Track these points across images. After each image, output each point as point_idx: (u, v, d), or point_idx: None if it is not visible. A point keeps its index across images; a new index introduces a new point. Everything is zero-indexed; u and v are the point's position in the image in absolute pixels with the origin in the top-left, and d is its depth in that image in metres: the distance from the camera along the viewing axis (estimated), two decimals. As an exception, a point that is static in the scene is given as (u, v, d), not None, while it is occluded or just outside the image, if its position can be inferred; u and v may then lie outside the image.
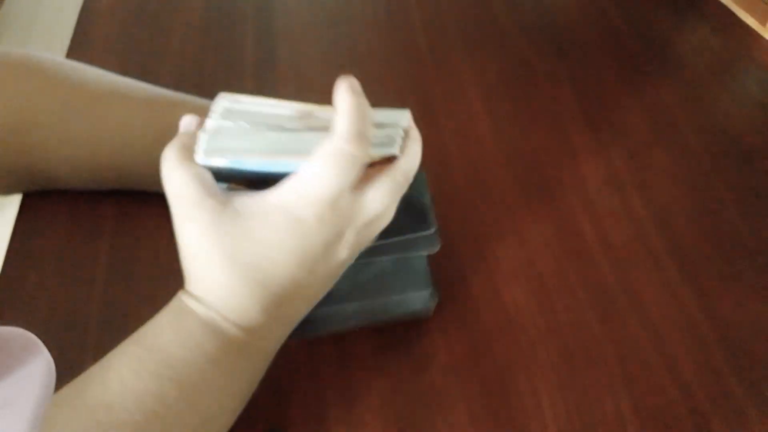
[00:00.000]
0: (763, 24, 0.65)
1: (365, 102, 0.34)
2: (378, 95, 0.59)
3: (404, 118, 0.36)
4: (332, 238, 0.34)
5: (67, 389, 0.32)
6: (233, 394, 0.35)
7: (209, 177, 0.34)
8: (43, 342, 0.23)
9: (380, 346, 0.43)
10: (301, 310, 0.37)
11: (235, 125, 0.34)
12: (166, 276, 0.46)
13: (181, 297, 0.36)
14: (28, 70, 0.45)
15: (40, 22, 1.69)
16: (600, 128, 0.56)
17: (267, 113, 0.35)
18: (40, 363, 0.23)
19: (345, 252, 0.36)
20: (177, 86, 0.59)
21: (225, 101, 0.35)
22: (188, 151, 0.34)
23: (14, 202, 0.50)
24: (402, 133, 0.36)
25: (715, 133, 0.56)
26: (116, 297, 0.45)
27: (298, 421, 0.39)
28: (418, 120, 0.57)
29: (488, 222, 0.49)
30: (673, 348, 0.43)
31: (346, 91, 0.34)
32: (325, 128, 0.35)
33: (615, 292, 0.45)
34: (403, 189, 0.36)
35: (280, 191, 0.33)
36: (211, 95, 0.59)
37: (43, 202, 0.50)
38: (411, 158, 0.36)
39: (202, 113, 0.41)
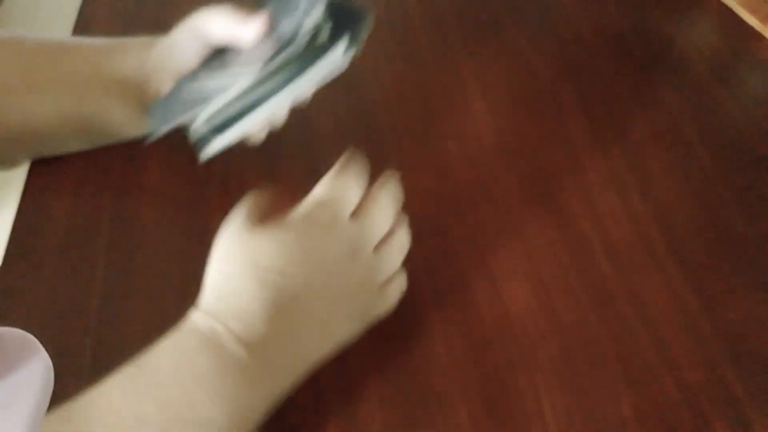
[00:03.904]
0: (764, 24, 0.65)
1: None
2: (378, 95, 0.59)
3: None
4: (345, 252, 0.37)
5: (64, 407, 0.32)
6: (220, 429, 0.33)
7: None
8: (41, 343, 0.23)
9: (380, 346, 0.42)
10: (309, 349, 0.36)
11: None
12: (165, 275, 0.46)
13: (189, 314, 0.35)
14: None
15: (40, 21, 1.69)
16: (601, 128, 0.56)
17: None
18: (39, 364, 0.22)
19: (362, 272, 0.38)
20: (177, 86, 0.59)
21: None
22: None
23: (13, 201, 0.50)
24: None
25: (717, 133, 0.56)
26: (115, 297, 0.45)
27: (298, 423, 0.39)
28: (418, 120, 0.57)
29: (488, 222, 0.49)
30: (674, 348, 0.43)
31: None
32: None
33: (616, 292, 0.45)
34: (399, 199, 0.40)
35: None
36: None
37: (41, 201, 0.50)
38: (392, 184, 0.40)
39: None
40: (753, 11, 0.66)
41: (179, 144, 0.54)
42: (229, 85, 0.41)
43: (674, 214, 0.50)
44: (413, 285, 0.45)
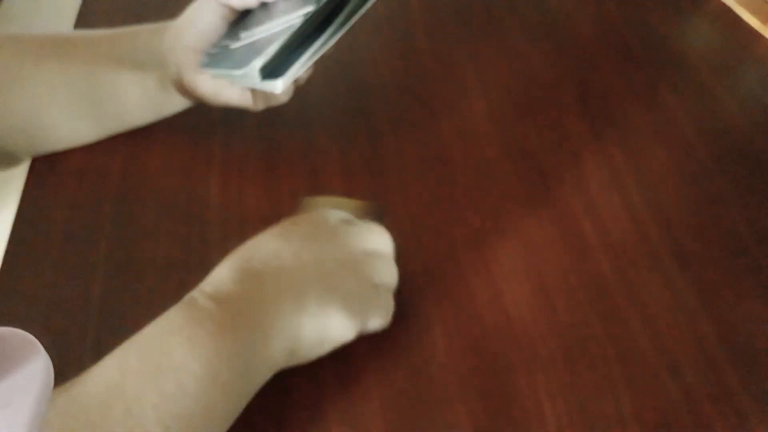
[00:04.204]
0: (764, 24, 0.65)
1: None
2: (378, 96, 0.59)
3: None
4: (328, 233, 0.40)
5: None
6: (196, 377, 0.34)
7: None
8: (41, 343, 0.23)
9: (380, 346, 0.42)
10: (278, 308, 0.37)
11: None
12: (166, 274, 0.46)
13: None
14: None
15: (39, 21, 1.69)
16: (601, 128, 0.56)
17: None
18: (38, 364, 0.22)
19: (346, 255, 0.39)
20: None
21: None
22: None
23: (13, 201, 0.50)
24: None
25: (717, 133, 0.56)
26: (115, 297, 0.45)
27: (298, 424, 0.39)
28: (418, 120, 0.57)
29: (488, 222, 0.49)
30: (674, 347, 0.43)
31: None
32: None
33: (615, 292, 0.45)
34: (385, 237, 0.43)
35: None
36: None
37: (41, 200, 0.50)
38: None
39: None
40: (753, 11, 0.66)
41: (179, 145, 0.54)
42: (286, 29, 0.42)
43: (674, 214, 0.50)
44: (413, 285, 0.45)
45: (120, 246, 0.47)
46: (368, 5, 0.44)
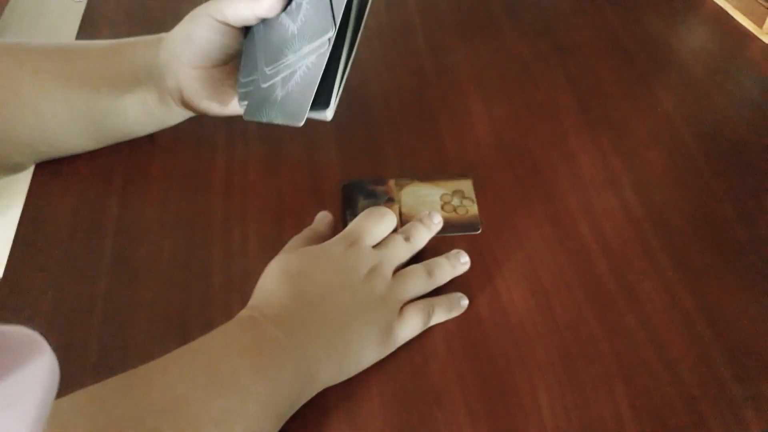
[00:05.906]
0: (759, 26, 0.65)
1: None
2: (378, 96, 0.59)
3: None
4: (365, 268, 0.42)
5: (121, 376, 0.36)
6: (259, 400, 0.36)
7: None
8: (47, 341, 0.23)
9: (380, 346, 0.43)
10: (328, 338, 0.40)
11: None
12: (169, 274, 0.46)
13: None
14: None
15: (43, 24, 1.69)
16: (598, 129, 0.57)
17: None
18: (44, 362, 0.23)
19: (382, 288, 0.42)
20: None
21: None
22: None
23: (18, 200, 0.50)
24: None
25: (712, 134, 0.56)
26: (119, 297, 0.45)
27: (299, 423, 0.39)
28: (418, 122, 0.57)
29: (487, 222, 0.50)
30: (671, 347, 0.43)
31: None
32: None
33: (613, 292, 0.46)
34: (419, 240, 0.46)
35: None
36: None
37: (46, 200, 0.50)
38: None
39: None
40: (747, 14, 0.67)
41: (182, 144, 0.55)
42: (317, 59, 0.43)
43: (671, 215, 0.50)
44: (412, 285, 0.45)
45: (124, 247, 0.48)
46: (368, 6, 0.45)
